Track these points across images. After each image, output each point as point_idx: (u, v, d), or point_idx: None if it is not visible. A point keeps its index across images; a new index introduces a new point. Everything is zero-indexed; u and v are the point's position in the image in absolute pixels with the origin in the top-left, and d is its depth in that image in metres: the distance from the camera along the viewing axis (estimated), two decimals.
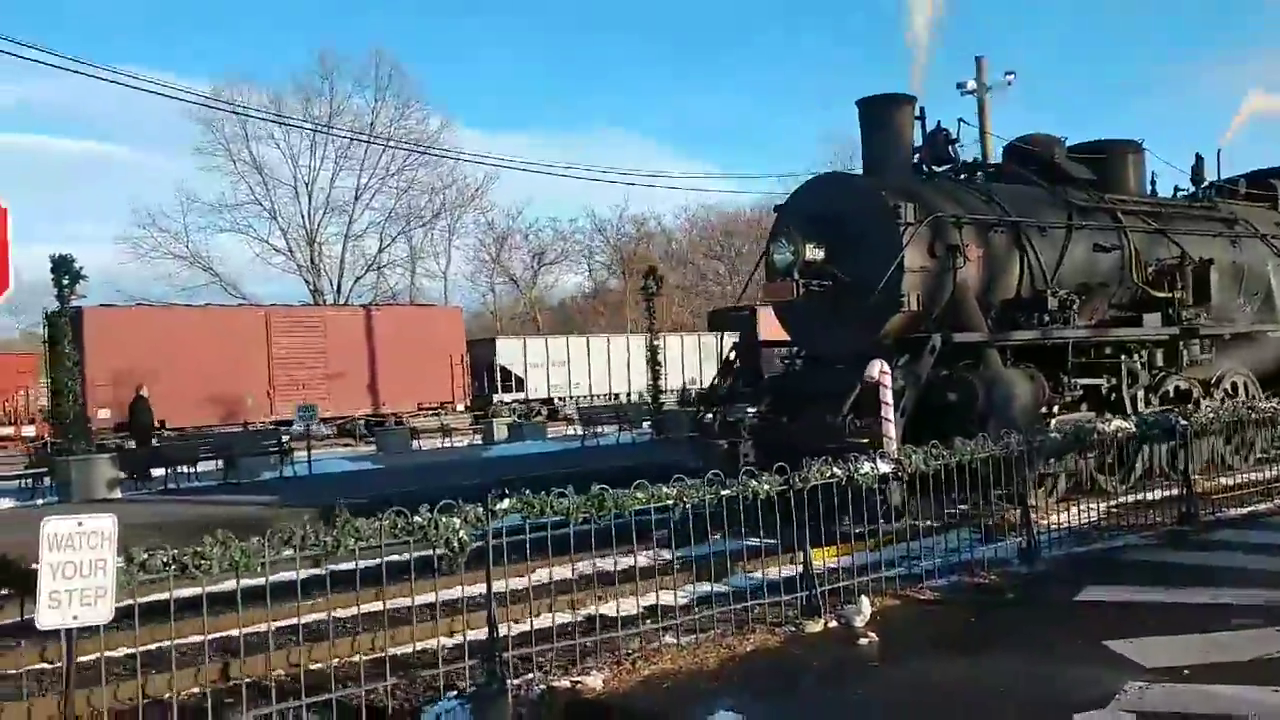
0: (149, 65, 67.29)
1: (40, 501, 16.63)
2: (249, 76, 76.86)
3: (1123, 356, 13.02)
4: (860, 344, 11.65)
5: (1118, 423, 10.57)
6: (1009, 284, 12.62)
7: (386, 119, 54.05)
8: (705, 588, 9.02)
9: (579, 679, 6.97)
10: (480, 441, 29.25)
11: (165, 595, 6.15)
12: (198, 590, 6.41)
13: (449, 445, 29.44)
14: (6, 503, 16.70)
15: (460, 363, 38.40)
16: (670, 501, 7.46)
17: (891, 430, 9.75)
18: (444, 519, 6.40)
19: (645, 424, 24.75)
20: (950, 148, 13.21)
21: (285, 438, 20.05)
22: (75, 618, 4.97)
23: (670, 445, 21.15)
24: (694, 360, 46.12)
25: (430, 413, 36.17)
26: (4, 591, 10.23)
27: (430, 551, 6.74)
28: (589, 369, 43.25)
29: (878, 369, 9.79)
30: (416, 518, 6.37)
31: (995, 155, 17.17)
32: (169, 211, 50.90)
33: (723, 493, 7.70)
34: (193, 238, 51.96)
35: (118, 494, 16.75)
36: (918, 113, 12.87)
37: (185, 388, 29.47)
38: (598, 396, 42.61)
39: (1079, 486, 11.87)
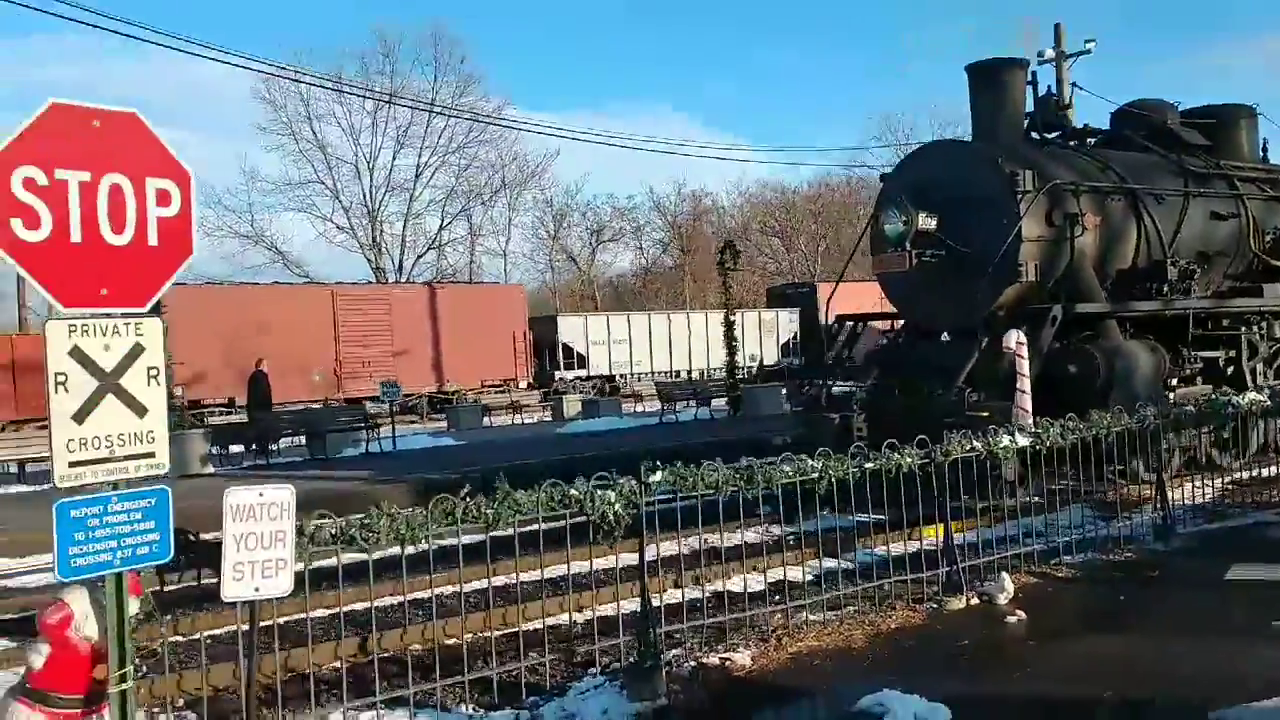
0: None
1: None
2: (309, 54, 76.94)
3: (1241, 329, 12.58)
4: (973, 316, 11.34)
5: (1251, 395, 10.19)
6: (1125, 253, 12.22)
7: (446, 96, 53.97)
8: (830, 564, 8.87)
9: (727, 655, 6.81)
10: (550, 418, 29.22)
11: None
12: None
13: (520, 422, 29.44)
14: None
15: (523, 340, 38.47)
16: (816, 475, 7.23)
17: (1027, 402, 9.45)
18: (600, 492, 6.24)
19: (722, 400, 24.52)
20: (1062, 113, 12.80)
21: (372, 413, 20.04)
22: (257, 590, 4.87)
23: (754, 421, 20.94)
24: (754, 336, 45.74)
25: (495, 390, 36.29)
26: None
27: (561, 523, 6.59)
28: (650, 346, 43.02)
29: (1015, 339, 9.50)
30: (573, 490, 6.22)
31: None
32: (234, 190, 51.37)
33: (867, 466, 7.48)
34: (257, 217, 52.39)
35: (210, 469, 16.85)
36: (1028, 78, 12.48)
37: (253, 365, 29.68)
38: (659, 373, 42.44)
39: (1193, 462, 11.51)
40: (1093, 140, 13.49)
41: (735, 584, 8.53)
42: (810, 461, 7.22)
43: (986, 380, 10.95)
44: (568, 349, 41.57)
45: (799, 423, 12.50)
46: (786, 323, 46.60)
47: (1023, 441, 8.26)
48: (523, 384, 38.23)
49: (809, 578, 8.82)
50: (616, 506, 6.22)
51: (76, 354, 4.25)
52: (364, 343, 34.43)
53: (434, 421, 31.77)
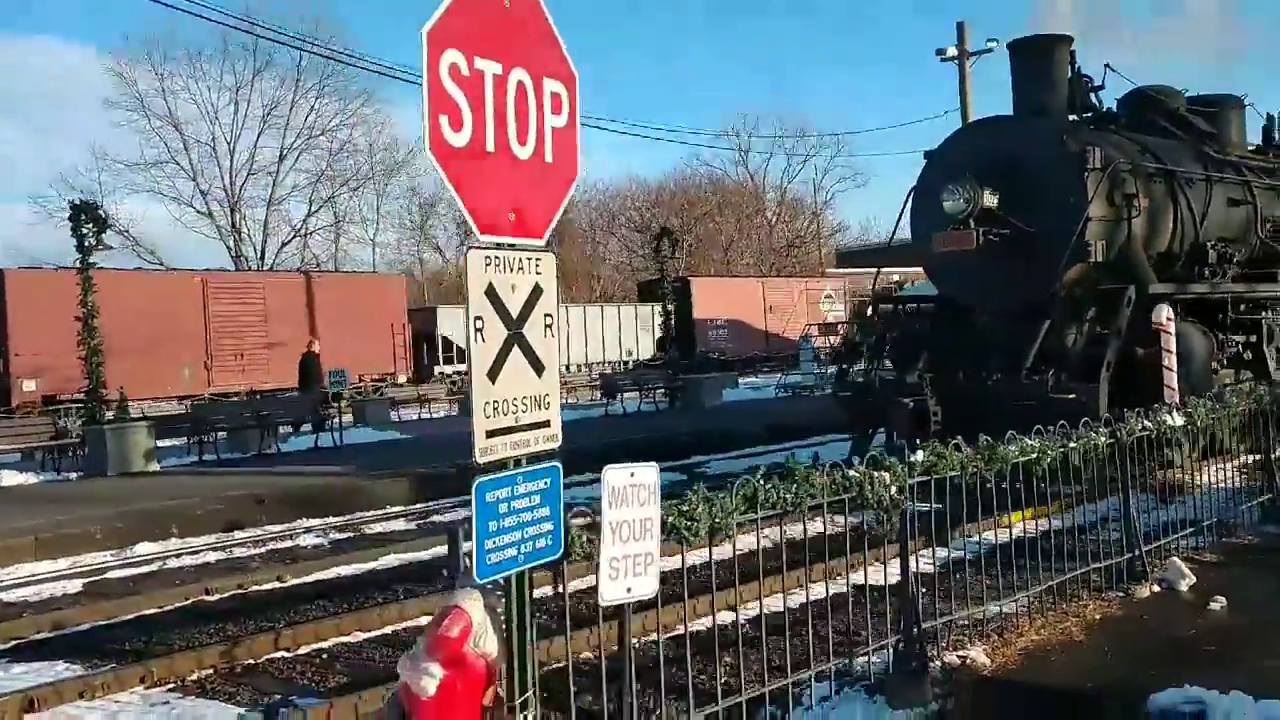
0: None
1: (74, 476, 14.96)
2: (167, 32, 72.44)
3: (1263, 314, 12.70)
4: (1034, 296, 11.06)
5: None
6: (1163, 236, 12.17)
7: (313, 78, 51.60)
8: (948, 553, 8.37)
9: (965, 654, 6.20)
10: (457, 413, 28.02)
11: None
12: None
13: (430, 416, 28.08)
14: (22, 478, 14.99)
15: (403, 332, 36.93)
16: (1034, 455, 6.68)
17: (1174, 381, 9.15)
18: (876, 474, 5.52)
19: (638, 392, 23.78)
20: (1092, 95, 12.67)
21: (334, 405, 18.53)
22: (629, 590, 3.99)
23: (700, 414, 20.34)
24: (630, 331, 45.40)
25: (373, 384, 34.74)
26: None
27: None
28: None
29: (1165, 314, 9.17)
30: (852, 472, 5.48)
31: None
32: (83, 170, 47.80)
33: (1069, 446, 6.99)
34: (106, 199, 48.85)
35: (155, 466, 15.23)
36: (1070, 57, 12.29)
37: (114, 358, 27.47)
38: None
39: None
40: (1111, 126, 13.41)
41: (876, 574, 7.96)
42: (1028, 442, 6.68)
43: (1053, 362, 10.69)
44: (448, 342, 40.21)
45: (850, 407, 11.98)
46: (661, 316, 46.27)
47: (1179, 420, 7.94)
48: (402, 378, 36.71)
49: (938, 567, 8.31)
50: (893, 489, 5.52)
51: (490, 295, 3.32)
52: (236, 334, 32.38)
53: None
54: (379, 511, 12.17)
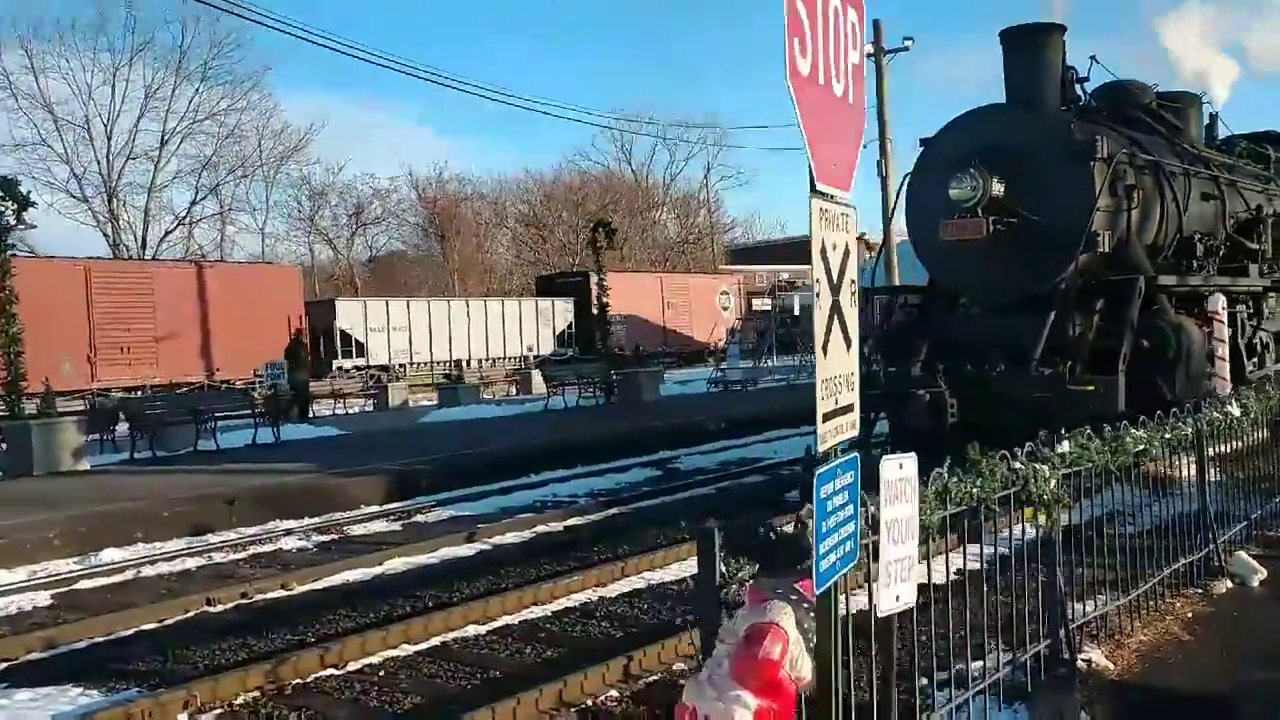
0: None
1: None
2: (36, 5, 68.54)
3: (1239, 307, 12.83)
4: (1037, 286, 10.91)
5: None
6: (1152, 228, 12.15)
7: (198, 58, 49.39)
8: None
9: (1085, 656, 5.88)
10: (372, 408, 27.07)
11: None
12: None
13: (346, 412, 26.99)
14: None
15: (299, 326, 35.54)
16: (1142, 446, 6.40)
17: (1226, 371, 9.02)
18: (1037, 466, 5.13)
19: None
20: (1077, 86, 12.62)
21: (263, 399, 17.41)
22: (898, 599, 3.49)
23: (640, 410, 19.87)
24: (531, 326, 44.73)
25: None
26: None
27: None
28: (430, 334, 40.70)
29: (1221, 304, 9.03)
30: (1017, 464, 5.08)
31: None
32: None
33: (1166, 436, 6.74)
34: None
35: (86, 465, 14.04)
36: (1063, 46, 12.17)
37: None
38: (439, 363, 40.56)
39: None
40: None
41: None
42: (1136, 432, 6.40)
43: (1059, 354, 10.55)
44: (345, 336, 38.88)
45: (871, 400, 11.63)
46: (562, 312, 45.58)
47: (1236, 411, 7.81)
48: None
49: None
50: (1051, 483, 5.14)
51: (822, 255, 2.80)
52: (123, 326, 30.67)
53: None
54: (356, 512, 11.39)
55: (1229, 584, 7.25)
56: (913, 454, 3.63)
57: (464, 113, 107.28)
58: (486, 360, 42.67)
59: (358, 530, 10.64)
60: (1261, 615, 6.72)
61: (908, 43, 32.29)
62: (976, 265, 11.32)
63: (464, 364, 40.92)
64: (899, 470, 3.46)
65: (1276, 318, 14.09)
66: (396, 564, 8.91)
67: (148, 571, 9.09)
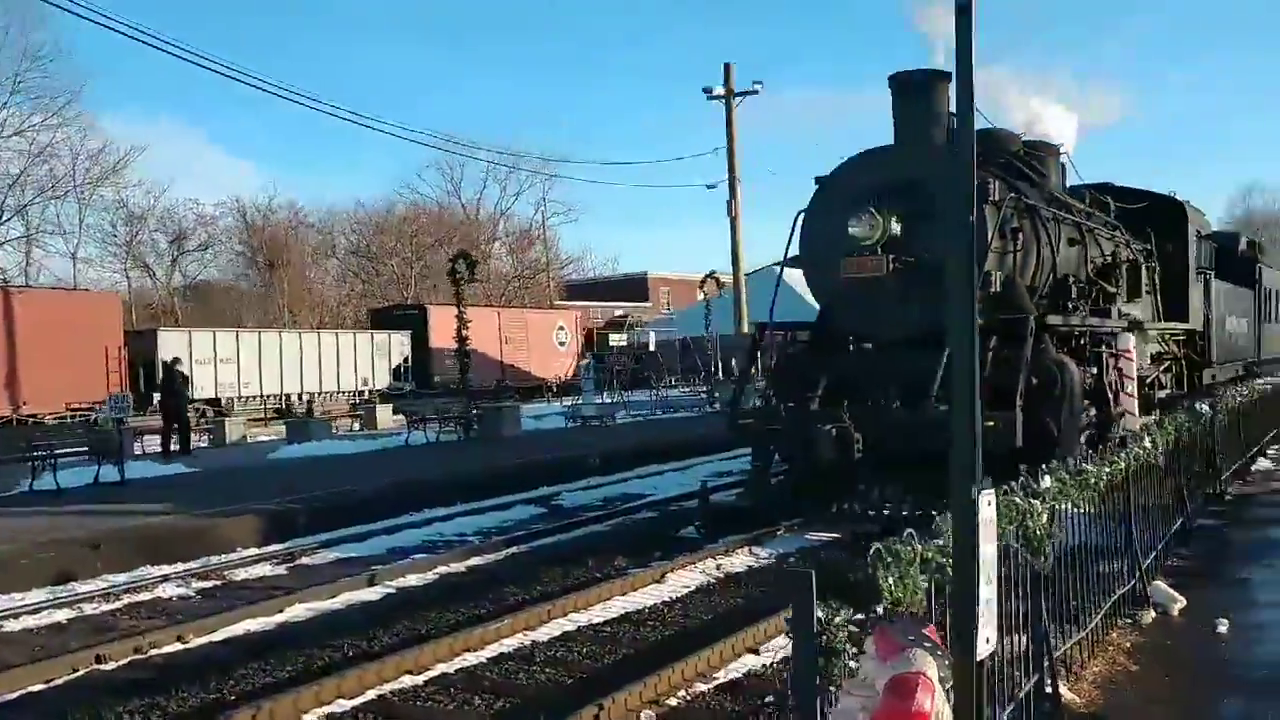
0: None
1: None
2: None
3: (1102, 347, 13.41)
4: (932, 324, 11.11)
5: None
6: (1030, 270, 12.60)
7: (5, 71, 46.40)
8: None
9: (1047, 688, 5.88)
10: (207, 444, 25.65)
11: None
12: None
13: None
14: None
15: (118, 357, 33.56)
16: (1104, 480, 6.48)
17: (1134, 406, 9.29)
18: (1031, 502, 5.08)
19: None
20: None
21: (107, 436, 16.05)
22: (987, 641, 3.31)
23: (500, 445, 19.48)
24: (365, 359, 43.53)
25: (82, 414, 31.32)
26: None
27: None
28: (260, 366, 38.89)
29: (1131, 342, 9.30)
30: (1016, 499, 5.01)
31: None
32: None
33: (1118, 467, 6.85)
34: None
35: None
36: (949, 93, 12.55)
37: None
38: (269, 396, 38.99)
39: None
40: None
41: None
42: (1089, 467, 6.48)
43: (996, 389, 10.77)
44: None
45: (754, 434, 11.60)
46: (398, 345, 44.53)
47: (1148, 444, 8.07)
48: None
49: None
50: (1043, 518, 5.11)
51: None
52: None
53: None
54: (234, 555, 10.61)
55: (1153, 613, 7.44)
56: (992, 489, 3.49)
57: (294, 140, 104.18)
58: (320, 394, 41.18)
59: (241, 575, 9.91)
60: (1191, 642, 6.90)
61: (757, 86, 33.13)
62: (874, 302, 11.47)
63: (297, 398, 39.48)
64: (989, 509, 3.32)
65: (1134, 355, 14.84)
66: (298, 611, 8.30)
67: (11, 626, 8.19)
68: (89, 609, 8.69)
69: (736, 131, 32.94)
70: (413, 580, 9.32)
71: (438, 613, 8.12)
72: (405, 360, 44.35)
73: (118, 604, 8.85)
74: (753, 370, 12.86)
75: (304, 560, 10.52)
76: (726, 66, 33.13)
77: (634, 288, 78.71)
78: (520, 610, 7.78)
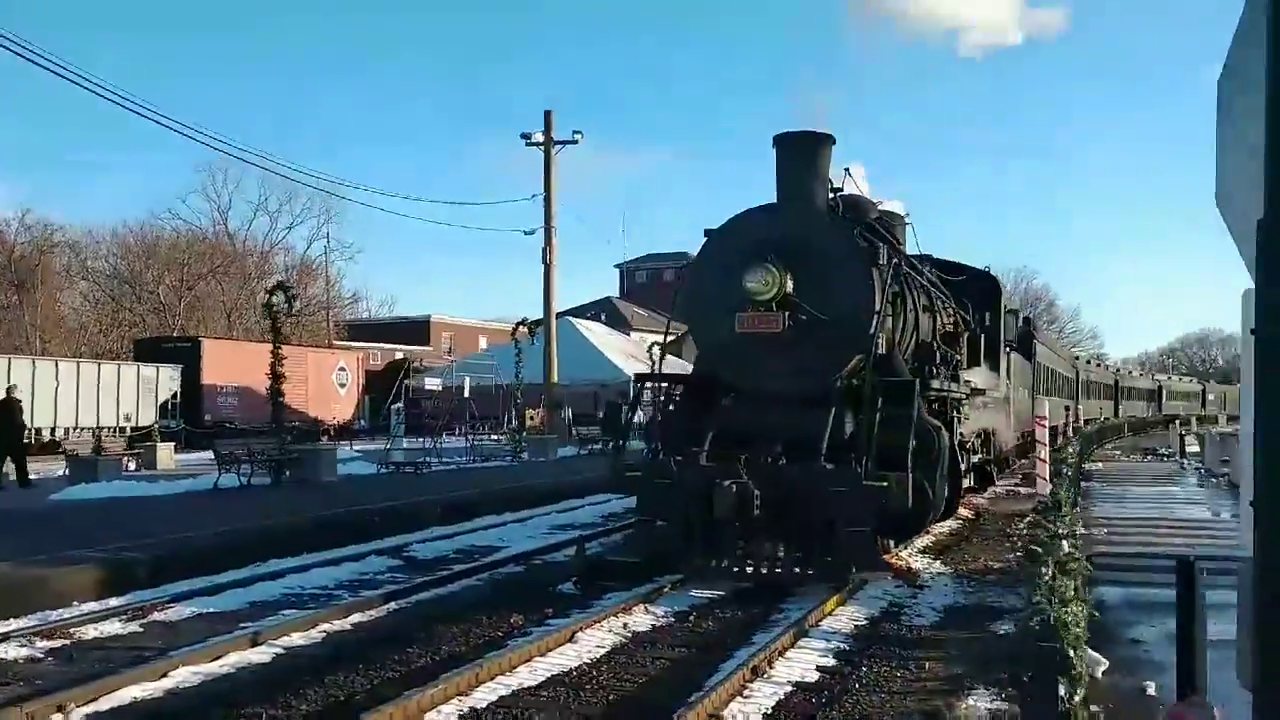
0: None
1: None
2: None
3: (953, 411, 13.94)
4: (818, 384, 11.27)
5: None
6: (899, 335, 12.97)
7: None
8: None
9: None
10: None
11: None
12: None
13: None
14: None
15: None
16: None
17: (1046, 471, 9.51)
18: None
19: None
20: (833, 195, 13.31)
21: None
22: None
23: (316, 490, 18.40)
24: (131, 394, 40.71)
25: None
26: None
27: None
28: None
29: (1045, 408, 9.53)
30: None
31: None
32: None
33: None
34: None
35: None
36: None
37: None
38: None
39: None
40: None
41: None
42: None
43: (837, 450, 10.90)
44: None
45: (642, 487, 11.28)
46: (168, 380, 41.87)
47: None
48: None
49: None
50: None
51: None
52: None
53: None
54: (74, 610, 9.40)
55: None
56: None
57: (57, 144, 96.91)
58: (76, 429, 38.07)
59: (92, 632, 8.75)
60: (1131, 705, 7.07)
61: (577, 135, 33.21)
62: (761, 358, 11.49)
63: (49, 432, 36.41)
64: None
65: (971, 420, 15.51)
66: (184, 675, 7.37)
67: None
68: None
69: (556, 179, 32.95)
70: (298, 640, 8.50)
71: (345, 675, 7.41)
72: (174, 396, 41.66)
73: None
74: (629, 421, 12.52)
75: (157, 615, 9.44)
76: (547, 114, 33.19)
77: (415, 330, 77.15)
78: (446, 676, 7.15)
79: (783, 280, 11.06)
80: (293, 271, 73.77)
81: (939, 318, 15.14)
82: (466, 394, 28.28)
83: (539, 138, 32.88)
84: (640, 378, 13.16)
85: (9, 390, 19.04)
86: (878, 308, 11.43)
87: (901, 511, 10.68)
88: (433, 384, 30.28)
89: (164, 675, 7.30)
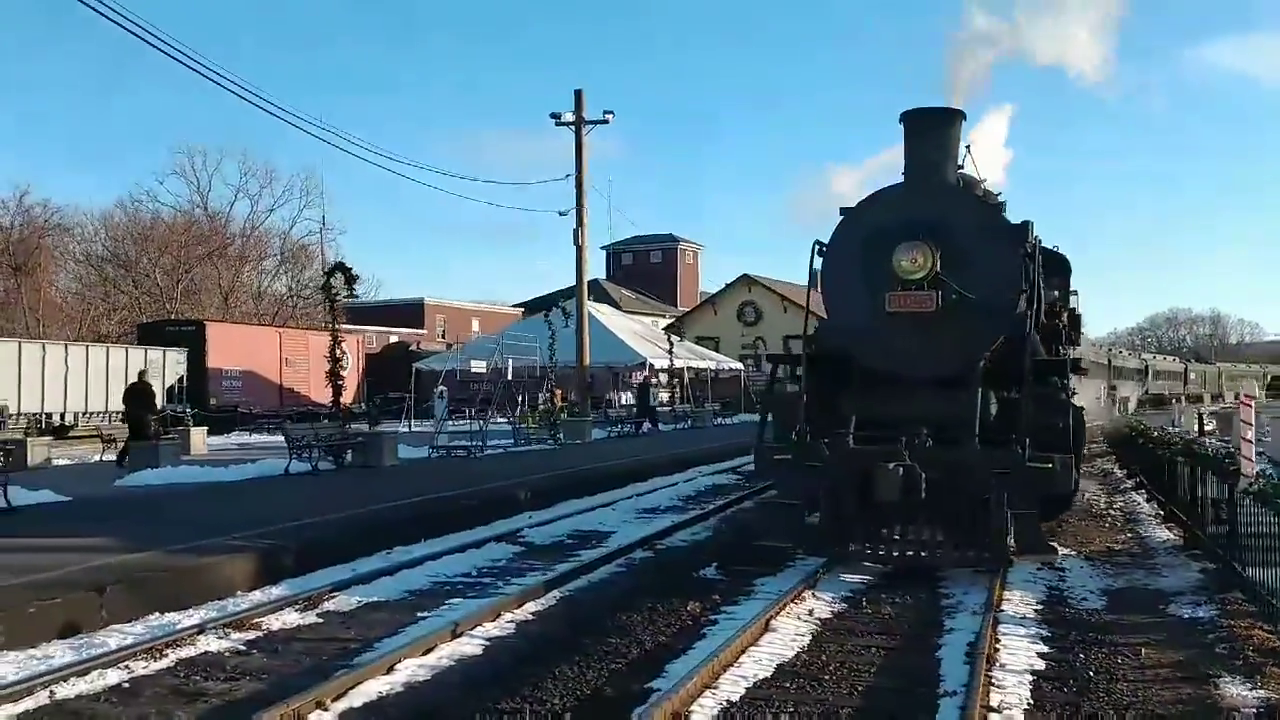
0: None
1: None
2: None
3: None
4: (964, 365, 11.07)
5: None
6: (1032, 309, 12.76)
7: None
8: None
9: None
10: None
11: None
12: None
13: None
14: None
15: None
16: None
17: (1251, 452, 9.35)
18: None
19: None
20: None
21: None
22: None
23: (387, 475, 18.09)
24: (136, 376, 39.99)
25: None
26: None
27: None
28: (20, 382, 34.92)
29: (1256, 389, 9.34)
30: None
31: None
32: None
33: None
34: None
35: None
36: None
37: None
38: (25, 415, 35.26)
39: None
40: None
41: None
42: None
43: (990, 430, 10.73)
44: None
45: (793, 470, 11.02)
46: (174, 364, 41.29)
47: None
48: None
49: None
50: None
51: None
52: None
53: None
54: (245, 600, 9.23)
55: None
56: None
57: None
58: (85, 414, 37.62)
59: (275, 624, 8.48)
60: None
61: (608, 115, 32.74)
62: (908, 339, 11.25)
63: (59, 417, 35.95)
64: None
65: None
66: (410, 668, 7.14)
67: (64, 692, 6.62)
68: (139, 667, 7.17)
69: (587, 160, 32.52)
70: (494, 630, 8.27)
71: (569, 667, 7.18)
72: (180, 380, 41.08)
73: (164, 662, 7.34)
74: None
75: (328, 605, 9.17)
76: (577, 93, 32.68)
77: (409, 313, 76.45)
78: (695, 667, 6.94)
79: (935, 258, 10.83)
80: (287, 254, 73.04)
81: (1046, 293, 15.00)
82: (510, 376, 27.91)
83: (569, 117, 32.43)
84: (774, 359, 12.91)
85: (140, 374, 18.55)
86: (1024, 286, 11.24)
87: (1063, 492, 10.53)
88: (478, 365, 29.79)
89: (390, 670, 7.06)
